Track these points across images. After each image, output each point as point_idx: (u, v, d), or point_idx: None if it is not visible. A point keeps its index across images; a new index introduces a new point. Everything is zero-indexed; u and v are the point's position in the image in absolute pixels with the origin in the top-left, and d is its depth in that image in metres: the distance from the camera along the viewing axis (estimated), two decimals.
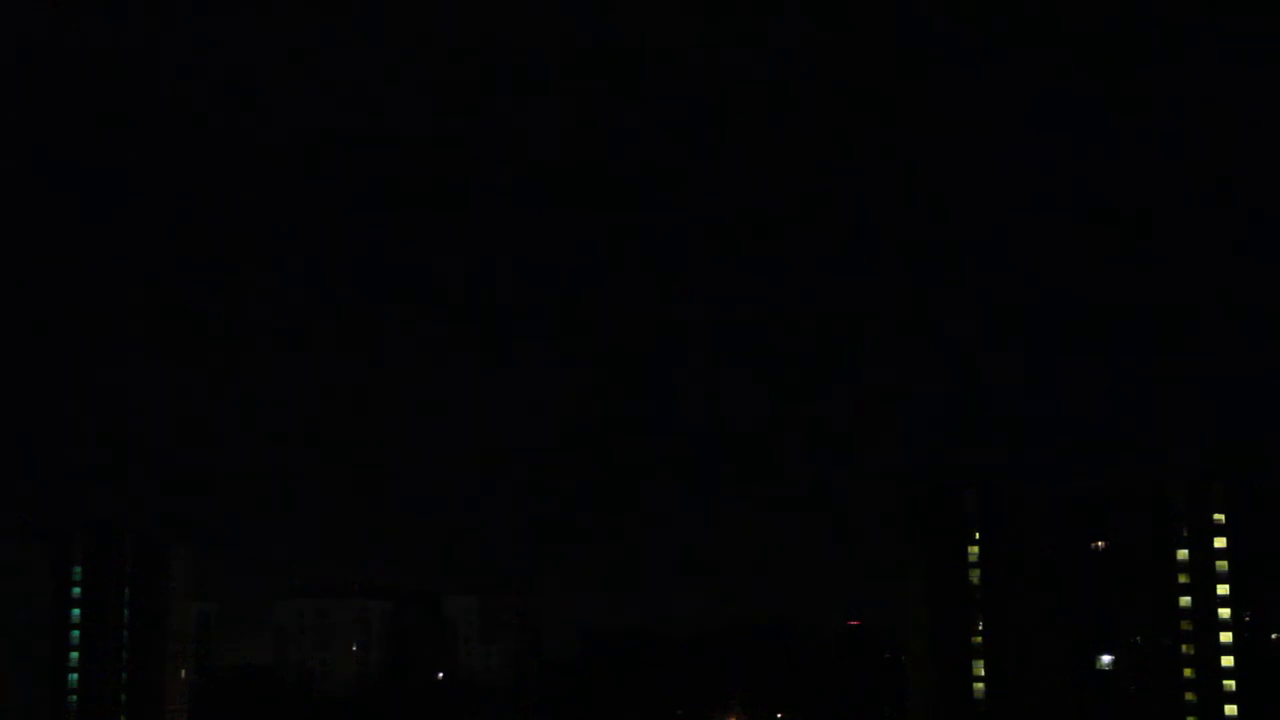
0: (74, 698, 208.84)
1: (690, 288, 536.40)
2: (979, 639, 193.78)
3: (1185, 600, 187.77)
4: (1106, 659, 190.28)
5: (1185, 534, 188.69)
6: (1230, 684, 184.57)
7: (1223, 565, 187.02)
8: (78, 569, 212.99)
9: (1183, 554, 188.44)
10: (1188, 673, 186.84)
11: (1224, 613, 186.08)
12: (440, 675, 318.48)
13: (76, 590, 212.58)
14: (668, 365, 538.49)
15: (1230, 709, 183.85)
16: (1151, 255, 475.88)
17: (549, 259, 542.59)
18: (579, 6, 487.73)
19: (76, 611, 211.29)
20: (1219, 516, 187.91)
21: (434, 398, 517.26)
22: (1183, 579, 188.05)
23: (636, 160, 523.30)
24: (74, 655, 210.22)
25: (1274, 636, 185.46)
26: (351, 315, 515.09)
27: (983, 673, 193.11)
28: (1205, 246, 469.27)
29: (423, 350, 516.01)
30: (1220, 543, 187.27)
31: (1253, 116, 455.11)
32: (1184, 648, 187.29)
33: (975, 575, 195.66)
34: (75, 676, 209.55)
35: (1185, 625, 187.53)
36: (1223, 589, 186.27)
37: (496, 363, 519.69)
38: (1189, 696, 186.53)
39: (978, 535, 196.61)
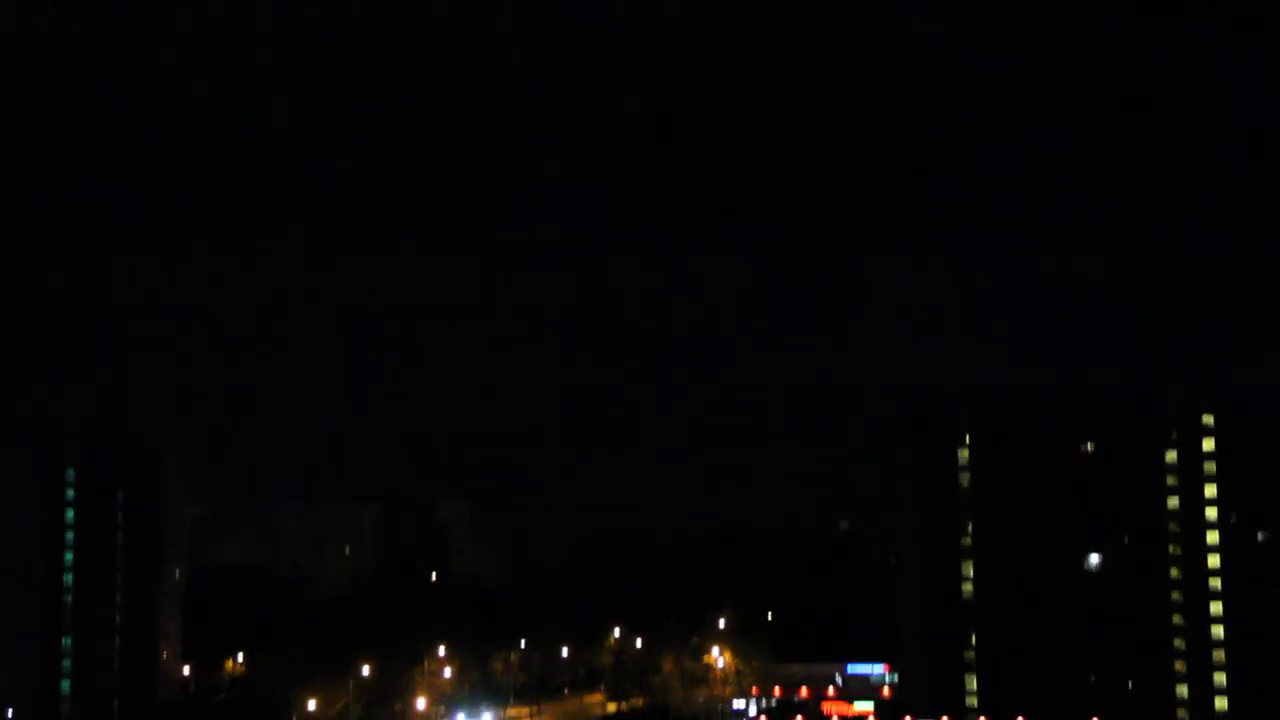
0: (69, 598, 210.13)
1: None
2: (968, 540, 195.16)
3: (1173, 501, 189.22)
4: (1095, 559, 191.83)
5: (1174, 436, 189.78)
6: (1216, 583, 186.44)
7: (1210, 467, 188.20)
8: (70, 471, 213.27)
9: (1171, 456, 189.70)
10: (1175, 573, 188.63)
11: (1211, 513, 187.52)
12: (434, 576, 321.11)
13: (70, 494, 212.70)
14: (659, 271, 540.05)
15: (1215, 607, 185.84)
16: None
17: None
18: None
19: (70, 514, 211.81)
20: (1207, 418, 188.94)
21: (428, 303, 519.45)
22: (1171, 480, 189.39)
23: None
24: (68, 557, 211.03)
25: (1260, 536, 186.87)
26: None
27: (971, 573, 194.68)
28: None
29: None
30: (1209, 444, 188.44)
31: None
32: (1171, 548, 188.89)
33: (965, 479, 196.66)
34: (70, 577, 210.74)
35: (1173, 526, 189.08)
36: (1210, 490, 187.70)
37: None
38: (1175, 595, 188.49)
39: (968, 439, 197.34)
